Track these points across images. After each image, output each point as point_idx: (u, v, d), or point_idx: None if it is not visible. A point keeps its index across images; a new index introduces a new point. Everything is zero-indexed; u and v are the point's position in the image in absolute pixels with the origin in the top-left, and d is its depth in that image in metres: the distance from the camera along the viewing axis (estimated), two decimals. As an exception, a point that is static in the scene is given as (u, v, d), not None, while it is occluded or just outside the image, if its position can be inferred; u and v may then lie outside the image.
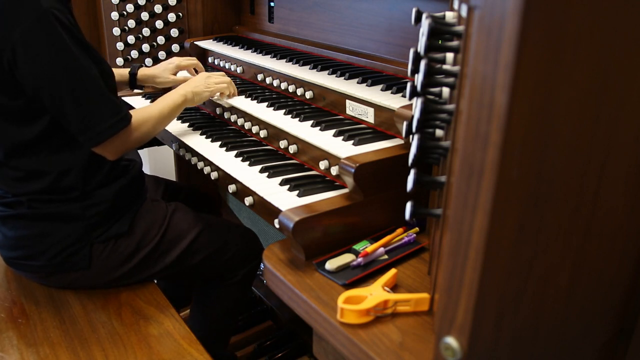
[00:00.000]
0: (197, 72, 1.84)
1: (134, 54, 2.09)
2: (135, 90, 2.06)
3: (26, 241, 1.41)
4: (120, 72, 1.79)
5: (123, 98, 1.96)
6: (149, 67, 1.85)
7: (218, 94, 1.62)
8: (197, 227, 1.55)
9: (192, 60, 1.82)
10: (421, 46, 0.82)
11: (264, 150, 1.47)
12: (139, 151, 1.97)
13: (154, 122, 1.44)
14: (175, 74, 1.80)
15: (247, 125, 1.56)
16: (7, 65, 1.23)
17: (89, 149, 1.35)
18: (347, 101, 1.42)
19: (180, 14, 2.14)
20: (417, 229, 1.16)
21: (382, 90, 1.37)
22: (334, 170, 1.25)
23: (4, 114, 1.30)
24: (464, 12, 0.72)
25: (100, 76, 1.31)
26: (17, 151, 1.33)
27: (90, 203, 1.40)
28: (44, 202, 1.38)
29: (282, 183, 1.26)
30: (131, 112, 1.39)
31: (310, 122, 1.40)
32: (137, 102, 1.93)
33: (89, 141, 1.32)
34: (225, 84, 1.61)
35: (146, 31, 2.10)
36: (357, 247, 1.07)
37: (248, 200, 1.27)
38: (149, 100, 1.92)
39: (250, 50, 1.90)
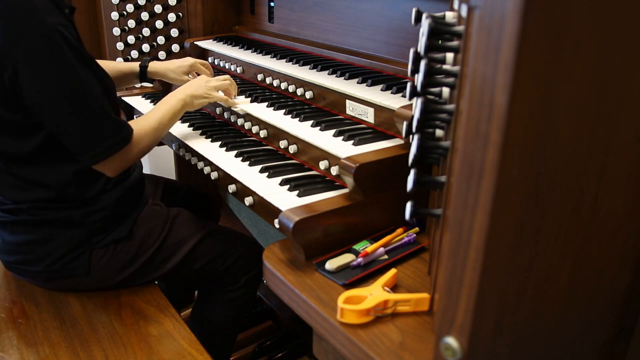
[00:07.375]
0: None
1: (134, 54, 2.09)
2: (135, 90, 2.06)
3: (25, 246, 1.40)
4: (130, 66, 1.77)
5: (122, 98, 1.97)
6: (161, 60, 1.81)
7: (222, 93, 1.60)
8: (198, 233, 1.53)
9: (208, 69, 1.78)
10: (421, 46, 0.82)
11: (264, 150, 1.47)
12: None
13: (154, 134, 1.42)
14: (187, 74, 1.75)
15: (247, 125, 1.56)
16: (8, 82, 1.20)
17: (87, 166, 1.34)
18: (347, 101, 1.42)
19: (180, 14, 2.14)
20: (417, 229, 1.16)
21: (382, 90, 1.37)
22: (334, 170, 1.25)
23: (1, 126, 1.27)
24: (464, 12, 0.72)
25: (103, 93, 1.30)
26: (15, 161, 1.32)
27: (91, 210, 1.39)
28: (44, 210, 1.37)
29: (282, 183, 1.26)
30: (130, 123, 1.36)
31: (310, 122, 1.40)
32: (137, 102, 1.93)
33: (88, 160, 1.30)
34: (227, 83, 1.58)
35: (146, 31, 2.10)
36: (357, 247, 1.07)
37: (248, 200, 1.27)
38: (149, 100, 1.92)
39: (250, 50, 1.90)
